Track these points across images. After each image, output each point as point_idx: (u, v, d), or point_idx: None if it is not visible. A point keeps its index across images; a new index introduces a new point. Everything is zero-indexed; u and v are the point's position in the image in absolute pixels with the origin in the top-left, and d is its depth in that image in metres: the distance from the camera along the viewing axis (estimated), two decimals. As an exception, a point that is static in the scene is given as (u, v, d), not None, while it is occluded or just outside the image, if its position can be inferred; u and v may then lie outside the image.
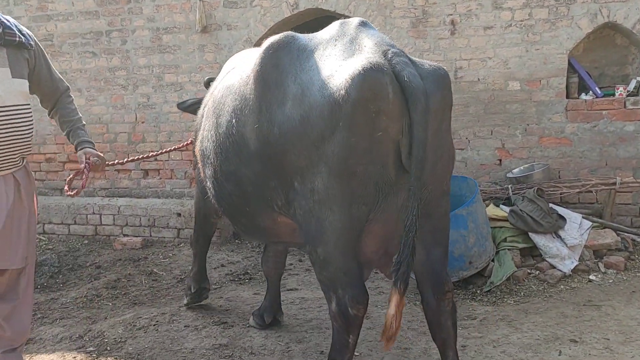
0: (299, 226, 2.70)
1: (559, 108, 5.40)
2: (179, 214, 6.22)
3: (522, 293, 4.44)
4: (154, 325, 3.96)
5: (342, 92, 2.35)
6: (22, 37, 2.83)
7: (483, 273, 4.66)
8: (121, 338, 3.77)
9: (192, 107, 4.37)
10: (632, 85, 5.37)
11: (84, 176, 3.29)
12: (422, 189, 2.41)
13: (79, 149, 3.26)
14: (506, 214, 4.91)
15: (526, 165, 5.50)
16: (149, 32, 6.32)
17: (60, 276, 5.31)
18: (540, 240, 4.76)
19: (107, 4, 6.39)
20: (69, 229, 6.61)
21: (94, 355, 3.54)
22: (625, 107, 5.29)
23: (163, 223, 6.29)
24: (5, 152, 2.78)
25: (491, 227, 4.83)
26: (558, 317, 3.91)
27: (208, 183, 3.32)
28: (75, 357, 3.51)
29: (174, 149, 4.85)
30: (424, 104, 2.36)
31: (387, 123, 2.39)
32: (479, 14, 5.46)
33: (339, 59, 2.54)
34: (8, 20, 2.80)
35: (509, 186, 5.22)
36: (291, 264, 5.40)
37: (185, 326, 3.94)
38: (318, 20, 5.40)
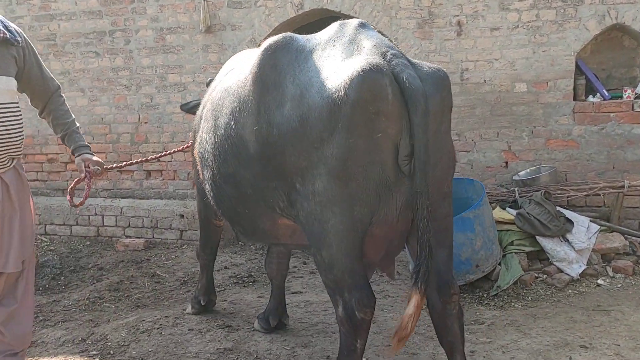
0: (302, 228, 2.68)
1: (566, 110, 5.35)
2: (182, 216, 6.17)
3: (529, 297, 4.39)
4: (158, 328, 3.91)
5: (341, 93, 2.34)
6: (8, 33, 2.77)
7: (490, 277, 4.62)
8: (124, 342, 3.72)
9: (195, 108, 4.32)
10: (640, 87, 5.33)
11: (86, 187, 3.27)
12: (428, 189, 2.40)
13: (76, 154, 3.23)
14: (513, 217, 4.86)
15: (533, 168, 5.44)
16: (152, 32, 6.27)
17: (62, 278, 5.26)
18: (547, 243, 4.71)
19: (111, 3, 6.35)
20: (71, 230, 6.56)
21: (97, 359, 3.49)
22: (633, 109, 5.24)
23: (166, 224, 6.25)
24: None
25: (497, 230, 4.78)
26: (567, 322, 3.86)
27: (207, 185, 3.30)
28: (78, 361, 3.46)
29: (175, 152, 4.79)
30: (423, 106, 2.36)
31: (386, 124, 2.38)
32: (486, 15, 5.42)
33: (337, 60, 2.53)
34: None
35: (516, 189, 5.17)
36: (295, 267, 5.35)
37: (189, 330, 3.89)
38: (323, 21, 5.35)
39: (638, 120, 5.24)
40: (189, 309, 4.21)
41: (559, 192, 5.10)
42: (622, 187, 5.06)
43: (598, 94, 5.40)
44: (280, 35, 2.82)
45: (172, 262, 5.62)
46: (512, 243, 4.80)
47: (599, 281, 4.57)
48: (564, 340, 3.57)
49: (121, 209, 6.41)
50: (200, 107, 3.67)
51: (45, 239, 6.53)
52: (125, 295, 4.71)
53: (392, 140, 2.41)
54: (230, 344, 3.65)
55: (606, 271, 4.69)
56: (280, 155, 2.57)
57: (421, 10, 5.55)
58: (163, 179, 6.48)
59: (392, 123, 2.38)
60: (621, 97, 5.35)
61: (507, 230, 4.86)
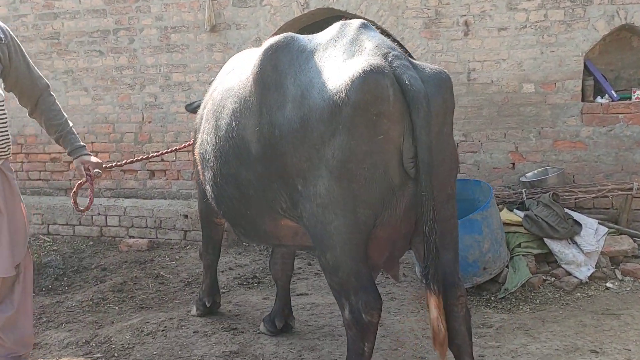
0: (306, 230, 2.66)
1: (574, 111, 5.30)
2: (186, 216, 6.13)
3: (537, 300, 4.35)
4: (162, 330, 3.86)
5: (342, 94, 2.32)
6: None
7: (497, 279, 4.57)
8: (129, 344, 3.68)
9: (199, 108, 4.29)
10: (648, 88, 5.28)
11: (89, 191, 3.23)
12: (433, 191, 2.38)
13: (74, 156, 3.19)
14: (520, 219, 4.82)
15: (540, 169, 5.39)
16: (156, 31, 6.23)
17: (65, 278, 5.22)
18: (555, 246, 4.66)
19: (115, 2, 6.31)
20: (74, 229, 6.53)
21: (102, 361, 3.46)
22: (641, 111, 5.20)
23: (169, 225, 6.21)
24: None
25: (505, 232, 4.74)
26: (577, 327, 3.81)
27: (207, 186, 3.28)
28: (82, 364, 3.42)
29: (177, 149, 4.75)
30: (425, 108, 2.34)
31: (388, 126, 2.36)
32: (493, 15, 5.37)
33: (339, 61, 2.51)
34: None
35: (523, 190, 5.12)
36: (300, 268, 5.31)
37: (194, 332, 3.84)
38: (329, 20, 5.31)
39: (647, 121, 5.19)
40: (193, 311, 4.17)
41: (566, 193, 5.05)
42: (631, 189, 5.02)
43: (606, 95, 5.36)
44: (281, 35, 2.80)
45: (176, 262, 5.58)
46: (519, 245, 4.75)
47: (608, 284, 4.52)
48: (574, 345, 3.53)
49: (124, 209, 6.37)
50: (201, 106, 3.64)
51: (48, 239, 6.50)
52: (129, 296, 4.67)
53: (394, 142, 2.39)
54: (236, 346, 3.61)
55: (615, 274, 4.64)
56: (282, 156, 2.55)
57: (428, 9, 5.50)
58: (167, 179, 6.44)
59: (393, 125, 2.37)
60: (630, 98, 5.30)
61: (515, 232, 4.82)
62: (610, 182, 5.17)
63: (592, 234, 4.72)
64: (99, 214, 6.44)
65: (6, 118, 2.84)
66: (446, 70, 2.66)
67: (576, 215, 4.82)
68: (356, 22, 2.68)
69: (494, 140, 5.51)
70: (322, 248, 2.56)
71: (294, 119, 2.48)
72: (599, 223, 4.87)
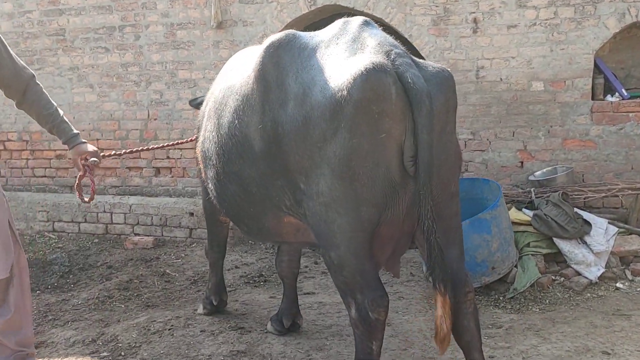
0: (310, 229, 2.65)
1: (584, 110, 5.25)
2: (192, 214, 6.10)
3: (547, 301, 4.30)
4: (169, 329, 3.84)
5: (344, 92, 2.31)
6: None
7: (506, 279, 4.53)
8: (135, 343, 3.65)
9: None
10: (659, 87, 5.22)
11: (90, 182, 3.22)
12: (432, 191, 2.38)
13: (70, 146, 3.16)
14: (529, 218, 4.78)
15: (549, 168, 5.34)
16: (162, 28, 6.20)
17: (71, 276, 5.20)
18: (565, 246, 4.62)
19: (121, -2, 6.28)
20: (79, 227, 6.51)
21: (108, 360, 3.43)
22: (652, 109, 5.14)
23: (175, 222, 6.18)
24: None
25: (513, 232, 4.70)
26: (587, 327, 3.77)
27: (210, 184, 3.28)
28: (89, 363, 3.40)
29: (178, 143, 4.72)
30: (428, 107, 2.33)
31: (390, 124, 2.35)
32: (503, 12, 5.31)
33: (341, 59, 2.49)
34: None
35: (532, 189, 5.08)
36: (307, 267, 5.27)
37: (201, 331, 3.81)
38: (336, 17, 5.26)
39: (658, 120, 5.14)
40: (200, 310, 4.14)
41: (576, 193, 5.01)
42: (641, 188, 4.97)
43: (616, 94, 5.30)
44: (282, 32, 2.79)
45: (182, 260, 5.55)
46: (528, 245, 4.71)
47: (618, 284, 4.48)
48: (585, 346, 3.49)
49: (130, 206, 6.35)
50: (204, 104, 3.63)
51: (53, 236, 6.48)
52: (135, 294, 4.64)
53: (396, 141, 2.38)
54: (243, 346, 3.58)
55: (625, 274, 4.60)
56: (284, 154, 2.55)
57: (436, 6, 5.45)
58: (172, 177, 6.41)
59: (396, 123, 2.36)
60: (640, 96, 5.25)
61: (523, 232, 4.78)
62: (620, 182, 5.12)
63: (602, 233, 4.68)
64: (105, 211, 6.42)
65: None
66: (449, 69, 2.65)
67: (586, 215, 4.77)
68: (358, 20, 2.67)
69: (503, 139, 5.46)
70: (326, 247, 2.55)
71: (296, 116, 2.48)
72: (609, 223, 4.82)
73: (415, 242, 2.73)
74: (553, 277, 4.55)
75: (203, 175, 3.41)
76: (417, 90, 2.33)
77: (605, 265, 4.57)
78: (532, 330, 3.76)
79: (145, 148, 4.38)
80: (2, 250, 2.83)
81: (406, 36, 5.54)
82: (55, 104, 3.15)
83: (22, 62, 3.03)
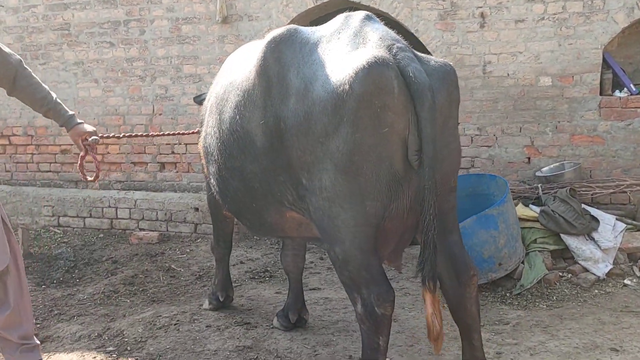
0: (314, 224, 2.65)
1: (592, 105, 5.21)
2: (197, 209, 6.09)
3: (554, 297, 4.28)
4: (175, 324, 3.83)
5: (346, 86, 2.30)
6: None
7: (512, 275, 4.51)
8: (141, 338, 3.64)
9: None
10: (668, 82, 5.18)
11: (94, 162, 3.26)
12: (436, 185, 2.37)
13: (68, 128, 3.14)
14: (536, 214, 4.74)
15: (556, 164, 5.31)
16: (167, 22, 6.18)
17: (76, 271, 5.20)
18: (572, 242, 4.59)
19: (126, -8, 6.26)
20: (85, 222, 6.51)
21: (114, 355, 3.42)
22: (661, 105, 5.10)
23: (180, 217, 6.18)
24: None
25: (520, 228, 4.67)
26: (595, 324, 3.74)
27: (212, 180, 3.28)
28: (95, 357, 3.38)
29: (179, 134, 4.70)
30: (430, 101, 2.32)
31: (392, 119, 2.34)
32: (510, 6, 5.27)
33: (342, 53, 2.48)
34: None
35: (539, 185, 5.04)
36: (312, 262, 5.26)
37: (207, 326, 3.80)
38: (342, 12, 5.23)
39: (666, 116, 5.09)
40: (206, 305, 4.13)
41: (583, 189, 4.98)
42: (649, 184, 4.93)
43: (625, 89, 5.26)
44: (284, 27, 2.78)
45: (187, 255, 5.55)
46: (535, 241, 4.68)
47: (626, 281, 4.44)
48: (593, 343, 3.46)
49: (135, 202, 6.34)
50: (206, 99, 3.62)
51: (58, 231, 6.48)
52: (141, 289, 4.63)
53: (399, 135, 2.37)
54: (249, 341, 3.56)
55: (633, 271, 4.56)
56: (287, 149, 2.55)
57: (443, 1, 5.41)
58: (177, 172, 6.40)
59: (398, 117, 2.35)
60: (649, 92, 5.20)
61: (530, 228, 4.75)
62: (628, 178, 5.08)
63: (610, 230, 4.65)
64: (110, 206, 6.41)
65: None
66: (452, 63, 2.64)
67: (593, 211, 4.74)
68: (360, 14, 2.66)
69: (510, 135, 5.42)
70: (330, 242, 2.55)
71: (298, 111, 2.47)
72: (617, 219, 4.78)
73: (417, 236, 2.72)
74: (560, 274, 4.52)
75: (205, 170, 3.42)
76: (419, 84, 2.32)
77: (613, 261, 4.54)
78: (539, 327, 3.74)
79: (146, 134, 4.35)
80: None
81: (412, 31, 5.50)
82: (46, 86, 3.12)
83: (7, 48, 2.98)
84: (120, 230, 6.37)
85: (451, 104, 2.58)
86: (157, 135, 4.57)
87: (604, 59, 5.23)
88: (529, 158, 5.41)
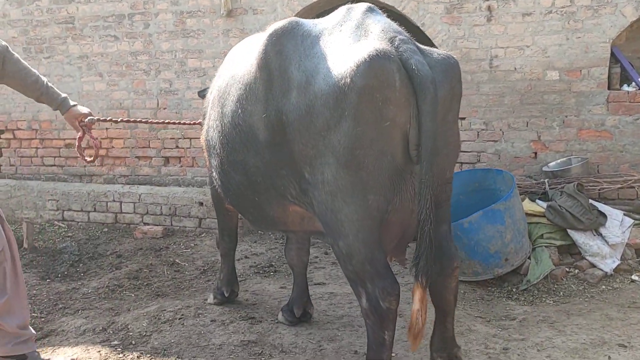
0: (317, 218, 2.64)
1: (600, 99, 5.15)
2: (201, 203, 6.07)
3: (561, 293, 4.25)
4: (179, 318, 3.81)
5: (347, 80, 2.29)
6: None
7: (519, 271, 4.49)
8: (146, 332, 3.63)
9: None
10: (677, 77, 5.11)
11: (92, 143, 3.25)
12: (433, 179, 2.36)
13: (63, 110, 3.14)
14: (542, 210, 4.72)
15: (563, 159, 5.26)
16: (172, 16, 6.14)
17: (81, 265, 5.19)
18: (579, 237, 4.56)
19: (130, -14, 6.23)
20: (89, 216, 6.50)
21: (119, 349, 3.40)
22: (669, 99, 5.04)
23: (184, 212, 6.16)
24: None
25: (527, 223, 4.63)
26: (603, 320, 3.71)
27: (214, 173, 3.27)
28: (99, 352, 3.37)
29: (180, 123, 4.67)
30: (432, 94, 2.30)
31: (394, 112, 2.32)
32: (518, -1, 5.22)
33: (344, 46, 2.46)
34: None
35: (546, 180, 5.00)
36: (317, 257, 5.24)
37: (211, 321, 3.79)
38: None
39: (675, 110, 5.04)
40: (210, 299, 4.11)
41: (591, 184, 4.94)
42: (658, 179, 4.88)
43: (633, 83, 5.20)
44: (285, 20, 2.76)
45: (191, 250, 5.53)
46: (542, 236, 4.65)
47: (634, 277, 4.41)
48: (601, 339, 3.43)
49: (139, 196, 6.33)
50: (208, 93, 3.61)
51: (63, 225, 6.48)
52: (145, 283, 4.62)
53: (401, 129, 2.36)
54: (254, 336, 3.54)
55: (640, 267, 4.53)
56: (289, 143, 2.54)
57: (449, -6, 5.37)
58: (182, 166, 6.38)
59: (400, 111, 2.33)
60: (657, 86, 5.15)
61: (537, 223, 4.72)
62: (636, 173, 5.04)
63: (618, 225, 4.61)
64: (114, 201, 6.40)
65: None
66: (455, 56, 2.61)
67: (601, 206, 4.70)
68: (362, 6, 2.63)
69: (516, 129, 5.38)
70: (334, 236, 2.54)
71: (300, 105, 2.46)
72: (624, 214, 4.75)
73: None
74: (567, 269, 4.50)
75: (207, 164, 3.41)
76: (422, 77, 2.30)
77: (621, 257, 4.51)
78: (546, 323, 3.71)
79: (144, 120, 4.30)
80: None
81: (418, 25, 5.46)
82: (36, 71, 3.10)
83: None
84: (125, 225, 6.36)
85: (453, 97, 2.56)
86: (156, 123, 4.54)
87: (612, 53, 5.17)
88: (535, 153, 5.37)
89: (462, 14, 5.36)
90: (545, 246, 4.58)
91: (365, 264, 2.47)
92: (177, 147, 6.35)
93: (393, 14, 2.95)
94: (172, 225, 6.20)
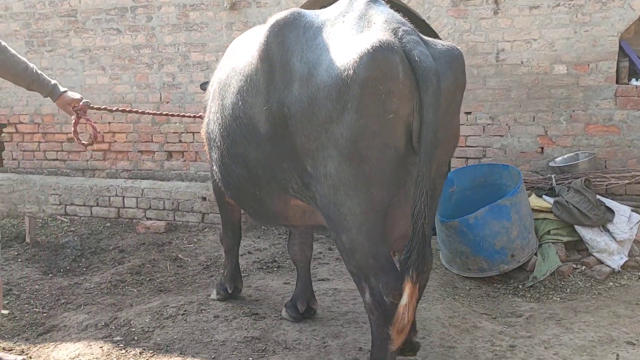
0: (320, 212, 2.61)
1: (608, 94, 5.08)
2: (204, 198, 6.03)
3: (568, 289, 4.20)
4: (182, 314, 3.78)
5: (350, 72, 2.26)
6: None
7: (525, 267, 4.44)
8: (149, 327, 3.59)
9: None
10: (686, 71, 5.04)
11: (90, 127, 3.21)
12: (431, 173, 2.32)
13: (55, 97, 3.10)
14: (549, 205, 4.66)
15: (570, 154, 5.19)
16: (175, 9, 6.09)
17: (83, 260, 5.16)
18: (587, 233, 4.50)
19: (132, -22, 6.17)
20: (91, 210, 6.47)
21: (121, 345, 3.37)
22: (678, 94, 4.97)
23: (187, 207, 6.12)
24: None
25: (533, 219, 4.58)
26: (610, 317, 3.67)
27: (214, 167, 3.24)
28: (102, 347, 3.34)
29: (181, 115, 4.63)
30: (435, 86, 2.26)
31: (398, 104, 2.29)
32: (525, -8, 5.15)
33: (347, 37, 2.43)
34: None
35: (552, 176, 4.94)
36: (321, 253, 5.20)
37: (214, 317, 3.75)
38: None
39: (684, 105, 4.96)
40: (213, 295, 4.07)
41: (598, 179, 4.87)
42: (666, 175, 4.82)
43: (642, 77, 5.13)
44: (287, 10, 2.71)
45: (194, 245, 5.50)
46: (548, 232, 4.60)
47: (641, 274, 4.36)
48: (609, 336, 3.39)
49: (142, 191, 6.29)
50: (209, 85, 3.58)
51: (65, 220, 6.45)
52: (148, 279, 4.59)
53: (404, 121, 2.33)
54: (257, 332, 3.51)
55: (648, 263, 4.47)
56: (290, 135, 2.50)
57: (456, -13, 5.30)
58: (184, 160, 6.34)
59: (403, 103, 2.30)
60: (666, 80, 5.07)
61: (544, 219, 4.67)
62: (644, 168, 4.97)
63: (625, 221, 4.55)
64: (117, 195, 6.37)
65: None
66: (459, 48, 2.57)
67: (608, 202, 4.65)
68: None
69: (522, 124, 5.31)
70: (337, 230, 2.51)
71: (302, 97, 2.43)
72: (632, 210, 4.69)
73: None
74: (574, 266, 4.45)
75: (208, 157, 3.38)
76: (425, 68, 2.27)
77: (628, 253, 4.46)
78: (553, 320, 3.67)
79: (142, 111, 4.24)
80: None
81: (424, 17, 5.39)
82: (24, 58, 3.06)
83: None
84: (127, 220, 6.33)
85: (456, 89, 2.53)
86: (153, 114, 4.47)
87: (620, 47, 5.10)
88: (542, 148, 5.31)
89: (469, 7, 5.29)
90: (552, 242, 4.53)
91: (369, 259, 2.45)
92: (180, 141, 6.30)
93: (397, 8, 2.88)
94: (174, 220, 6.17)
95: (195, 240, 5.66)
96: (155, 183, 6.32)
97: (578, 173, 4.89)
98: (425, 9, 5.39)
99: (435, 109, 2.28)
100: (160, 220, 6.16)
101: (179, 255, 5.14)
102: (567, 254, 4.52)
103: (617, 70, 5.10)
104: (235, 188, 3.10)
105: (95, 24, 6.38)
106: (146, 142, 6.41)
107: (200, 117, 4.17)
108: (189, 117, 4.68)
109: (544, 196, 4.80)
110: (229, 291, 4.01)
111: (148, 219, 6.24)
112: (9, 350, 3.35)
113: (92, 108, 3.44)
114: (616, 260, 4.37)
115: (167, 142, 6.34)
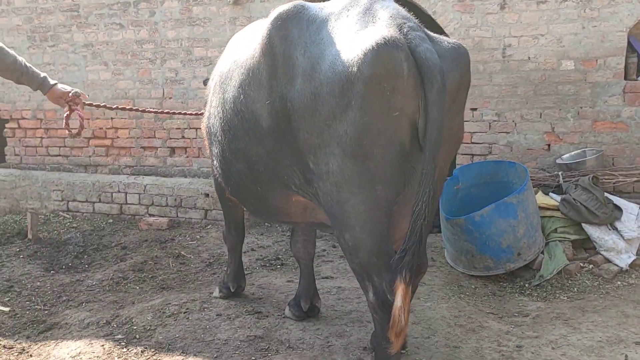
0: (323, 210, 2.58)
1: (616, 90, 5.01)
2: (207, 195, 5.99)
3: (575, 289, 4.15)
4: (185, 312, 3.73)
5: (354, 68, 2.22)
6: None
7: (532, 266, 4.39)
8: (150, 326, 3.55)
9: None
10: (695, 67, 4.96)
11: (79, 117, 3.20)
12: (435, 171, 2.29)
13: (45, 90, 3.08)
14: (556, 203, 4.61)
15: (577, 151, 5.12)
16: (178, 4, 6.03)
17: (85, 256, 5.13)
18: (594, 232, 4.44)
19: (135, -27, 6.12)
20: (94, 207, 6.44)
21: (123, 343, 3.33)
22: (687, 90, 4.89)
23: (190, 203, 6.08)
24: None
25: (540, 217, 4.52)
26: (619, 317, 3.61)
27: (215, 162, 3.20)
28: (103, 346, 3.30)
29: (181, 113, 4.58)
30: (440, 83, 2.23)
31: (402, 102, 2.26)
32: (532, -13, 5.07)
33: (351, 32, 2.38)
34: None
35: (560, 173, 4.88)
36: (324, 250, 5.15)
37: (217, 315, 3.71)
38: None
39: (693, 102, 4.89)
40: (216, 293, 4.03)
41: (606, 177, 4.81)
42: (675, 173, 4.75)
43: (651, 74, 5.06)
44: (290, 3, 2.65)
45: (197, 242, 5.46)
46: (555, 230, 4.54)
47: (650, 273, 4.30)
48: (617, 336, 3.33)
49: (145, 187, 6.25)
50: (210, 78, 3.54)
51: (67, 216, 6.42)
52: (150, 276, 4.55)
53: (409, 118, 2.29)
54: (260, 331, 3.46)
55: (656, 262, 4.41)
56: (293, 131, 2.47)
57: (462, -19, 5.23)
58: (187, 157, 6.29)
59: (408, 101, 2.26)
60: (675, 77, 5.00)
61: (550, 217, 4.61)
62: (653, 166, 4.91)
63: (634, 219, 4.50)
64: (119, 191, 6.33)
65: None
66: (466, 46, 2.53)
67: (616, 200, 4.59)
68: None
69: (529, 121, 5.25)
70: (340, 228, 2.48)
71: (305, 92, 2.39)
72: (640, 208, 4.63)
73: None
74: (581, 264, 4.39)
75: (208, 152, 3.34)
76: (430, 65, 2.23)
77: (636, 252, 4.41)
78: (560, 319, 3.61)
79: (141, 109, 4.21)
80: None
81: (430, 12, 5.32)
82: (12, 51, 3.02)
83: None
84: (130, 216, 6.30)
85: (461, 87, 2.49)
86: (148, 112, 4.42)
87: (629, 43, 5.03)
88: (549, 145, 5.24)
89: (475, 2, 5.22)
90: (559, 240, 4.48)
91: (372, 257, 2.42)
92: (183, 137, 6.26)
93: (403, 2, 2.83)
94: (177, 216, 6.13)
95: (198, 237, 5.62)
96: (157, 179, 6.28)
97: (585, 170, 4.83)
98: (431, 4, 5.32)
99: (440, 106, 2.24)
100: (162, 216, 6.13)
101: (182, 252, 5.11)
102: (575, 253, 4.47)
103: (626, 66, 5.02)
104: (235, 184, 3.07)
105: (98, 19, 6.33)
106: (149, 138, 6.37)
107: (202, 114, 4.12)
108: (191, 115, 4.61)
109: (550, 194, 4.75)
110: (232, 289, 3.97)
111: (151, 215, 6.21)
112: (10, 349, 3.32)
113: (92, 106, 3.39)
114: (624, 259, 4.32)
115: (170, 138, 6.30)
